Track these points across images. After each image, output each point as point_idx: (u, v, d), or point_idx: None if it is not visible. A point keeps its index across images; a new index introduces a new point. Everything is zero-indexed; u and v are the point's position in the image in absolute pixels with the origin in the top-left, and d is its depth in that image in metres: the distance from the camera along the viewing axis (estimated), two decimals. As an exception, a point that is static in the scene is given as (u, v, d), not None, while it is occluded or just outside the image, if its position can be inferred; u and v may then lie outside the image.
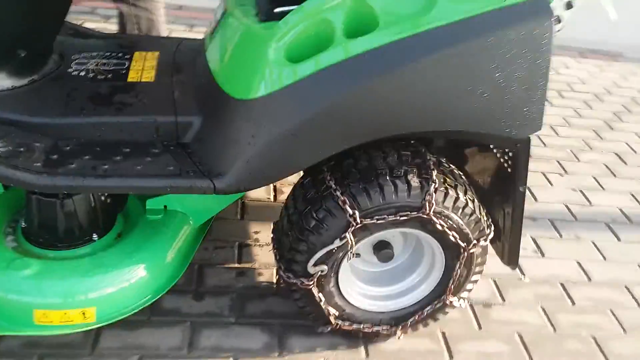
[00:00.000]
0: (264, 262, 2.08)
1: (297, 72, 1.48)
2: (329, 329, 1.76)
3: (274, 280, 2.01)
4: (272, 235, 1.79)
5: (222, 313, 1.85)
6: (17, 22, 1.64)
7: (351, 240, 1.57)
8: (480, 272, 1.73)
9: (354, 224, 1.54)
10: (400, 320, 1.77)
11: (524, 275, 2.14)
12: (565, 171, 2.93)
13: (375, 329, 1.76)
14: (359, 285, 1.76)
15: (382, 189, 1.55)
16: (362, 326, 1.75)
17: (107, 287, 1.62)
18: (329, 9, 1.48)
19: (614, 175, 2.97)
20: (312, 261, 1.60)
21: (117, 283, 1.63)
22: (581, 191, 2.77)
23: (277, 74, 1.50)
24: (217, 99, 1.63)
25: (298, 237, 1.61)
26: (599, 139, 3.36)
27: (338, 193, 1.55)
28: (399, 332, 1.78)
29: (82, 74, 1.83)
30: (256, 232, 2.23)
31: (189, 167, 1.59)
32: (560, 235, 2.43)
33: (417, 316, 1.76)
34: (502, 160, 1.77)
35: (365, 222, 1.55)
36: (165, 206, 1.83)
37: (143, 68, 1.90)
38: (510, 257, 1.81)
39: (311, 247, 1.59)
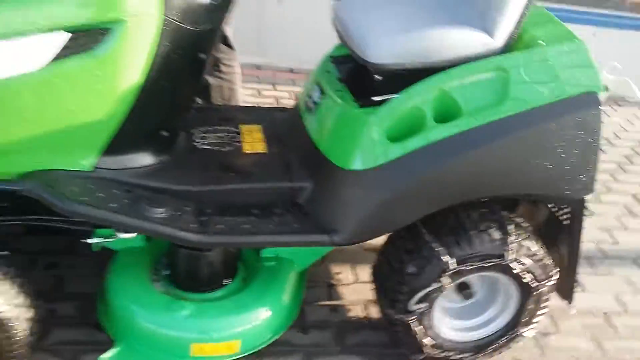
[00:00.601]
0: (351, 299, 2.45)
1: (397, 150, 1.87)
2: (422, 357, 2.12)
3: (363, 316, 2.37)
4: (372, 278, 2.17)
5: (327, 343, 2.22)
6: (164, 109, 2.02)
7: (446, 282, 1.95)
8: (546, 307, 2.11)
9: (450, 269, 1.92)
10: (481, 348, 2.14)
11: (572, 306, 2.52)
12: (592, 212, 3.31)
13: (460, 356, 2.13)
14: (446, 319, 2.14)
15: (471, 240, 1.93)
16: (449, 354, 2.12)
17: (246, 324, 1.99)
18: (420, 100, 1.88)
19: (633, 215, 3.37)
20: (413, 300, 1.97)
21: (253, 321, 2.00)
22: (608, 230, 3.17)
23: (380, 151, 1.89)
24: (326, 168, 2.01)
25: (400, 281, 1.98)
26: (615, 181, 3.76)
27: (435, 245, 1.93)
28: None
29: (208, 147, 2.21)
30: (337, 273, 2.60)
31: (309, 225, 1.97)
32: (597, 271, 2.82)
33: (494, 345, 2.13)
34: (553, 210, 2.16)
35: (458, 268, 1.93)
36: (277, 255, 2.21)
37: (253, 140, 2.29)
38: (567, 292, 2.19)
39: (412, 289, 1.96)
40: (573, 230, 2.08)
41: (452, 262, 1.92)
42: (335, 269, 2.63)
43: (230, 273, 2.15)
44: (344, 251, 2.70)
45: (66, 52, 1.69)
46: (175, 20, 1.78)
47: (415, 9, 2.05)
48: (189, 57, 1.93)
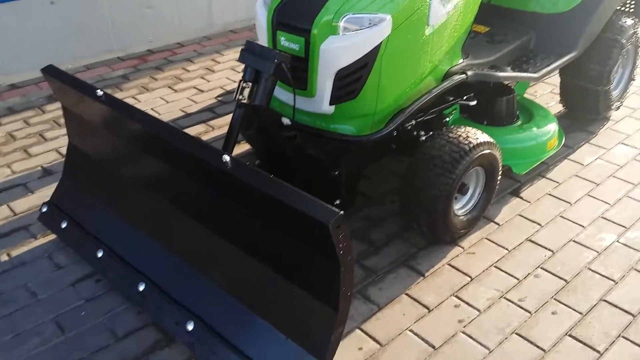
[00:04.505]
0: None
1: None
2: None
3: None
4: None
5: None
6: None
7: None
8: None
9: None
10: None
11: None
12: None
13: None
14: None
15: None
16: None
17: (555, 128, 3.12)
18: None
19: None
20: (611, 74, 3.36)
21: (556, 126, 3.14)
22: None
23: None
24: (543, 20, 3.19)
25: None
26: None
27: (619, 37, 3.32)
28: None
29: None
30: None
31: (555, 54, 3.16)
32: None
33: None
34: None
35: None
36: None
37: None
38: None
39: (610, 69, 3.33)
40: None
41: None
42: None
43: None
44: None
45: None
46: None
47: None
48: None
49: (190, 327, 2.01)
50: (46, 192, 2.91)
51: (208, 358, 1.95)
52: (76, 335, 2.16)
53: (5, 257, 2.54)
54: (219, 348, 1.94)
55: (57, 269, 2.46)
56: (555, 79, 3.64)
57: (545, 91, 3.98)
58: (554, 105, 3.73)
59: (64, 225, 2.54)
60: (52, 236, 2.63)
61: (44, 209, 2.67)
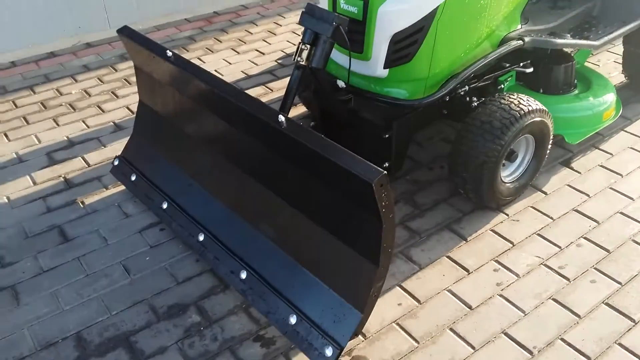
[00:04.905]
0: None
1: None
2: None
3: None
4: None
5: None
6: None
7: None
8: None
9: None
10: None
11: None
12: None
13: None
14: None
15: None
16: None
17: (613, 98, 3.09)
18: None
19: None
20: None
21: (614, 95, 3.11)
22: None
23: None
24: None
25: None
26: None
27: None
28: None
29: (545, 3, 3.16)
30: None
31: (618, 21, 3.09)
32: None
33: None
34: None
35: None
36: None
37: None
38: None
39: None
40: None
41: None
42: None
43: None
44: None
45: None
46: None
47: None
48: None
49: (243, 275, 2.19)
50: (117, 146, 3.13)
51: (258, 304, 2.13)
52: (140, 278, 2.38)
53: (79, 205, 2.78)
54: (268, 295, 2.10)
55: (126, 217, 2.69)
56: (620, 48, 3.57)
57: (608, 60, 3.90)
58: (616, 75, 3.67)
59: (133, 178, 2.75)
60: (122, 187, 2.85)
61: (116, 163, 2.89)
